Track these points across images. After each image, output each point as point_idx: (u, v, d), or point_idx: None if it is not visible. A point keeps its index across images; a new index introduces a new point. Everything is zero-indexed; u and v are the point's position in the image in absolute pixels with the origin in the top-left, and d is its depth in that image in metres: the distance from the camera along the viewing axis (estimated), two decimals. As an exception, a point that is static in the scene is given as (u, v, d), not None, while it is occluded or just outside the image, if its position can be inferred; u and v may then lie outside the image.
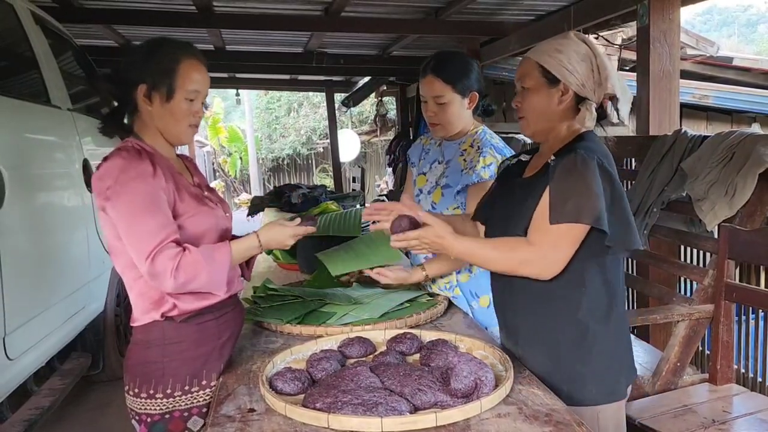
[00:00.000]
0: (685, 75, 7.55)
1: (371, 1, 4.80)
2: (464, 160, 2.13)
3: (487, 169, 2.05)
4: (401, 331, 1.77)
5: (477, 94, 2.14)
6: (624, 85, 1.58)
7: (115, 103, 1.64)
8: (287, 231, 1.68)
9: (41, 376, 3.05)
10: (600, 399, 1.57)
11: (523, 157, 1.76)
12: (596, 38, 5.64)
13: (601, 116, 1.59)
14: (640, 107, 3.37)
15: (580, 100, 1.58)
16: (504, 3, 4.87)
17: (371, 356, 1.69)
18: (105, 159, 1.52)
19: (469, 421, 1.29)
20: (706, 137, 2.66)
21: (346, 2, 4.70)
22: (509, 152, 2.11)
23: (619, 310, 1.61)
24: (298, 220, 1.73)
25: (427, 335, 1.76)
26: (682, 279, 3.12)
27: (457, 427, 1.27)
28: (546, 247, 1.50)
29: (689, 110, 7.41)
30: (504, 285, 1.68)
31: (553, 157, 1.56)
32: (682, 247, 3.11)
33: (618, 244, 1.51)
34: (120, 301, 3.94)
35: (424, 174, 2.28)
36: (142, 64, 1.57)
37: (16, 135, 2.69)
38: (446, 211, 2.17)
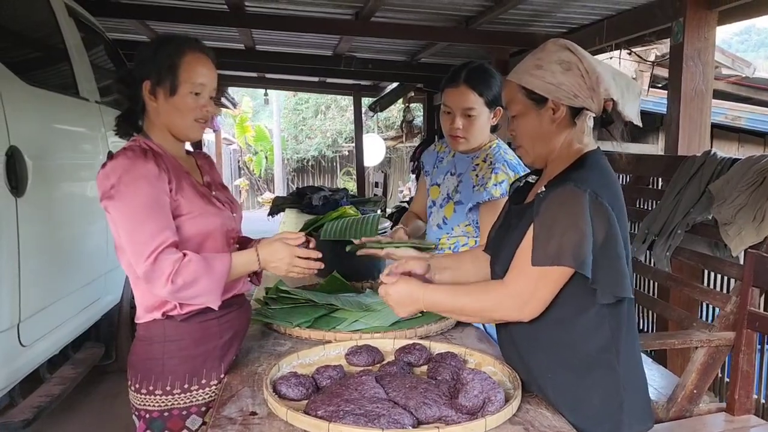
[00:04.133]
0: (719, 95, 7.41)
1: (402, 7, 4.79)
2: (476, 175, 2.08)
3: (499, 186, 1.99)
4: (410, 342, 1.74)
5: (501, 109, 2.08)
6: (625, 83, 1.44)
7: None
8: (287, 250, 1.60)
9: (54, 364, 3.07)
10: None
11: (531, 178, 1.65)
12: (629, 53, 5.57)
13: (607, 122, 1.47)
14: (670, 126, 3.30)
15: (577, 112, 1.45)
16: (536, 15, 4.83)
17: (378, 365, 1.66)
18: (111, 157, 1.52)
19: (473, 439, 1.26)
20: (736, 160, 2.59)
21: (377, 7, 4.70)
22: (523, 169, 2.02)
23: (624, 354, 1.44)
24: (302, 236, 1.66)
25: (437, 347, 1.73)
26: (704, 304, 3.04)
27: (459, 444, 1.24)
28: (522, 289, 1.40)
29: (720, 131, 7.27)
30: (507, 336, 1.58)
31: (543, 188, 1.44)
32: (706, 272, 3.04)
33: (604, 289, 1.36)
34: (136, 293, 3.97)
35: (438, 185, 2.23)
36: (147, 60, 1.56)
37: (43, 125, 2.73)
38: (457, 228, 2.12)
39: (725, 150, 4.49)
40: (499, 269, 1.52)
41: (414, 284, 1.54)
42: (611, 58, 4.51)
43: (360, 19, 5.10)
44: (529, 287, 1.39)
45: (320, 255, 1.67)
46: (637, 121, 1.46)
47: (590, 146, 1.50)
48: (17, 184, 2.33)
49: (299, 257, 1.61)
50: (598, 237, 1.34)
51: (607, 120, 1.47)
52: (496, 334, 2.04)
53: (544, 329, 1.45)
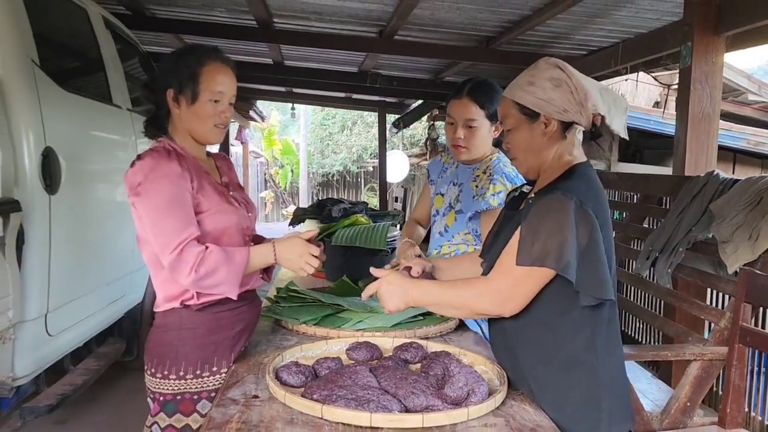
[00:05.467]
0: (745, 121, 7.40)
1: (424, 26, 4.94)
2: (476, 186, 2.18)
3: (497, 197, 2.09)
4: (409, 341, 1.84)
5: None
6: (613, 98, 1.53)
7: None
8: (303, 247, 1.70)
9: (78, 357, 3.23)
10: None
11: (526, 188, 1.73)
12: (655, 76, 5.63)
13: (596, 135, 1.55)
14: (677, 147, 3.37)
15: (567, 126, 1.54)
16: (555, 37, 4.94)
17: (376, 361, 1.76)
18: (138, 157, 1.66)
19: (456, 427, 1.35)
20: (736, 180, 2.65)
21: (400, 25, 4.85)
22: (521, 181, 2.09)
23: (605, 356, 1.51)
24: (315, 231, 1.80)
25: (433, 347, 1.82)
26: (708, 321, 3.09)
27: (442, 431, 1.34)
28: (503, 285, 1.49)
29: (744, 156, 7.25)
30: (498, 335, 1.68)
31: (532, 195, 1.55)
32: (709, 289, 3.09)
33: (586, 291, 1.44)
34: (158, 294, 4.12)
35: (441, 195, 2.34)
36: (170, 69, 1.70)
37: (78, 129, 2.91)
38: (458, 236, 2.22)
39: (749, 175, 4.52)
40: (488, 269, 1.62)
41: (403, 278, 1.65)
42: (627, 80, 4.60)
43: (384, 37, 5.27)
44: (511, 285, 1.48)
45: (324, 258, 1.79)
46: (624, 135, 1.55)
47: (579, 158, 1.59)
48: (51, 183, 2.51)
49: (311, 254, 1.71)
50: (582, 242, 1.43)
51: (596, 134, 1.56)
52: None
53: (531, 328, 1.54)
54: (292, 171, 19.80)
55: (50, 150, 2.50)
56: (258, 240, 1.90)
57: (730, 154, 7.26)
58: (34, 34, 2.52)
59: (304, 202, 18.24)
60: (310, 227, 4.82)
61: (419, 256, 2.08)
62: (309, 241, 1.74)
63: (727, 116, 7.23)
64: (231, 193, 1.80)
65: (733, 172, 7.60)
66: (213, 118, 1.70)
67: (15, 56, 2.36)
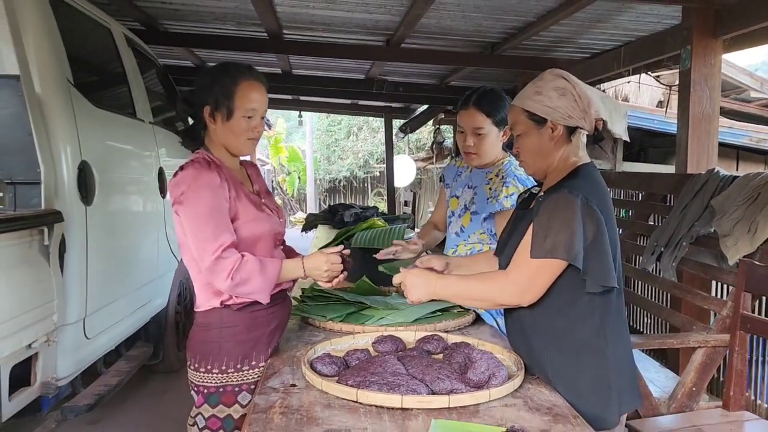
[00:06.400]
0: (747, 118, 7.50)
1: (430, 33, 5.08)
2: (490, 188, 2.33)
3: (509, 198, 2.23)
4: (430, 333, 1.97)
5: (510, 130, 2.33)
6: (613, 105, 1.67)
7: (191, 121, 1.91)
8: (322, 258, 1.87)
9: (108, 362, 3.37)
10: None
11: (534, 190, 1.87)
12: (657, 78, 5.74)
13: (599, 138, 1.69)
14: (679, 146, 3.51)
15: (572, 131, 1.68)
16: (559, 41, 5.07)
17: (400, 353, 1.89)
18: (181, 168, 1.79)
19: (479, 407, 1.49)
20: (735, 177, 2.78)
21: (407, 34, 4.99)
22: (531, 183, 2.23)
23: (613, 340, 1.64)
24: (339, 249, 1.93)
25: (453, 339, 1.95)
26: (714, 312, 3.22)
27: (467, 411, 1.47)
28: (522, 277, 1.62)
29: (747, 153, 7.36)
30: (514, 324, 1.81)
31: (542, 193, 1.69)
32: (714, 282, 3.21)
33: (592, 279, 1.58)
34: (181, 299, 4.28)
35: (457, 197, 2.49)
36: (207, 87, 1.82)
37: (108, 143, 3.07)
38: (473, 236, 2.37)
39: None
40: (504, 265, 1.76)
41: (428, 272, 1.80)
42: (629, 82, 4.72)
43: (391, 46, 5.41)
44: (528, 277, 1.63)
45: (351, 264, 1.95)
46: (626, 137, 1.71)
47: (583, 159, 1.74)
48: (87, 194, 2.66)
49: (334, 264, 1.88)
50: (588, 235, 1.57)
51: (599, 137, 1.71)
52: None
53: (544, 316, 1.68)
54: (299, 178, 19.98)
55: (85, 163, 2.66)
56: (285, 251, 2.04)
57: (733, 151, 7.37)
58: (68, 55, 2.68)
59: (312, 209, 18.40)
60: (322, 233, 4.98)
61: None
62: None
63: (729, 114, 7.33)
64: (263, 200, 1.93)
65: (737, 169, 7.70)
66: (247, 132, 1.83)
67: (53, 77, 2.52)
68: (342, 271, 1.91)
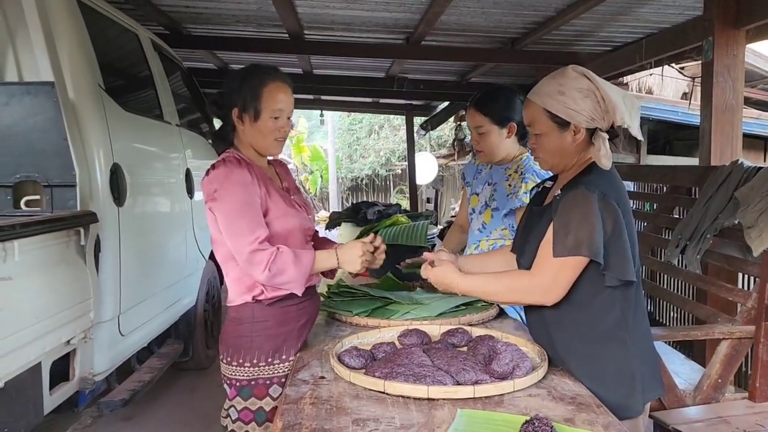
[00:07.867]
0: (768, 107, 7.37)
1: (450, 30, 5.10)
2: (509, 185, 2.36)
3: (529, 194, 2.22)
4: (454, 327, 2.01)
5: (515, 125, 2.36)
6: (631, 103, 1.64)
7: (216, 123, 1.98)
8: (359, 245, 1.92)
9: (140, 360, 3.46)
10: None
11: (548, 184, 1.88)
12: (681, 69, 5.68)
13: (613, 135, 1.66)
14: (703, 138, 3.49)
15: (592, 131, 1.66)
16: (580, 35, 5.05)
17: (426, 346, 1.93)
18: (212, 167, 1.84)
19: (503, 397, 1.52)
20: (760, 168, 2.77)
21: (426, 32, 5.02)
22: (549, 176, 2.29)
23: (634, 331, 1.67)
24: (371, 236, 1.99)
25: (477, 332, 1.98)
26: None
27: (491, 401, 1.51)
28: (546, 277, 1.64)
29: (772, 143, 7.24)
30: (536, 318, 1.84)
31: (559, 191, 1.69)
32: (740, 274, 3.20)
33: (612, 273, 1.60)
34: (209, 298, 4.37)
35: (477, 195, 2.52)
36: (235, 89, 1.88)
37: (136, 145, 3.15)
38: (495, 232, 2.40)
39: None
40: (524, 262, 1.78)
41: (454, 270, 1.82)
42: (652, 74, 4.70)
43: (411, 44, 5.45)
44: (552, 276, 1.65)
45: (384, 248, 1.99)
46: (640, 137, 1.71)
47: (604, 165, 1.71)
48: (119, 196, 2.75)
49: (368, 251, 1.92)
50: (607, 230, 1.59)
51: (613, 134, 1.69)
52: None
53: (566, 310, 1.70)
54: (321, 176, 20.08)
55: (117, 166, 2.75)
56: (320, 242, 2.08)
57: (760, 142, 7.26)
58: (98, 61, 2.76)
59: (335, 207, 18.48)
60: (346, 230, 5.03)
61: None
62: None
63: (757, 104, 7.23)
64: (292, 197, 1.99)
65: (765, 160, 7.58)
66: (274, 133, 1.89)
67: (86, 83, 2.61)
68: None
